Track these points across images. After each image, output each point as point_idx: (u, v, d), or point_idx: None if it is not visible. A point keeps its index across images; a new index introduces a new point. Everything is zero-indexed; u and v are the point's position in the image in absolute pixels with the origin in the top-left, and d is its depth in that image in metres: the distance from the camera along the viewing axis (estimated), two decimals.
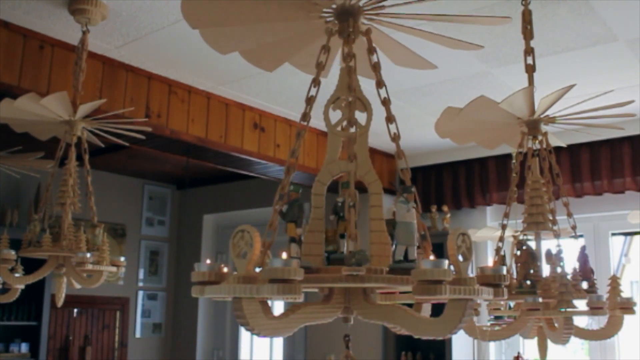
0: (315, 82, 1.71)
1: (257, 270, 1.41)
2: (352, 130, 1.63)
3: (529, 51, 2.48)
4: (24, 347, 5.40)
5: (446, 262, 1.30)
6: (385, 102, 1.67)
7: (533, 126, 2.46)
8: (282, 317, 1.41)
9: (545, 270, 2.38)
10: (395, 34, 1.87)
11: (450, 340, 4.82)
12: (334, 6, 1.71)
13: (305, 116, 1.68)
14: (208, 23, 1.84)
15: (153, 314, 6.76)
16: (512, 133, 2.57)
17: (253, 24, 1.83)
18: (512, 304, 2.62)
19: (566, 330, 2.20)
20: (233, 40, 1.89)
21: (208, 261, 1.42)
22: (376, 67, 1.70)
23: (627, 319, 2.40)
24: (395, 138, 1.65)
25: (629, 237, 4.85)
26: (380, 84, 1.68)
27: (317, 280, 1.42)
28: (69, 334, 6.05)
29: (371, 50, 1.71)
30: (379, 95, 1.67)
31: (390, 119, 1.65)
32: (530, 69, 2.47)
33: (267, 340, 6.28)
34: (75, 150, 2.97)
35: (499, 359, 5.13)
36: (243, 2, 1.74)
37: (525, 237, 2.46)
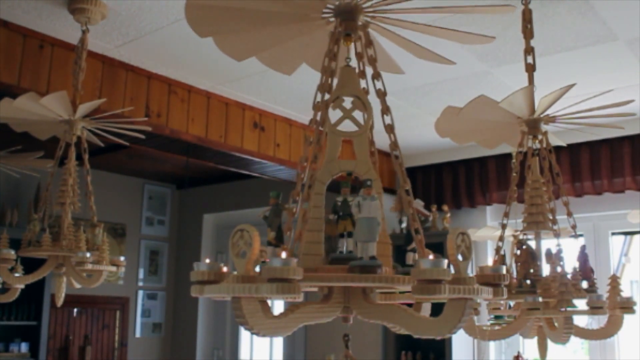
0: (323, 89, 1.69)
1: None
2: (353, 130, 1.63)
3: (529, 50, 2.48)
4: (24, 347, 5.40)
5: (445, 261, 1.30)
6: (380, 94, 1.66)
7: (533, 125, 2.46)
8: (282, 317, 1.40)
9: (545, 269, 2.38)
10: (403, 31, 1.87)
11: (450, 339, 4.82)
12: (332, 5, 1.71)
13: (312, 122, 1.66)
14: (214, 31, 1.84)
15: (153, 314, 6.76)
16: (512, 132, 2.57)
17: (258, 28, 1.83)
18: (512, 303, 2.62)
19: (566, 330, 2.20)
20: (247, 46, 1.89)
21: (207, 260, 1.42)
22: (372, 60, 1.69)
23: (627, 318, 2.40)
24: (388, 129, 1.63)
25: (628, 237, 4.85)
26: (376, 75, 1.67)
27: (316, 280, 1.42)
28: (69, 333, 6.05)
29: (368, 44, 1.70)
30: (374, 86, 1.66)
31: (385, 110, 1.64)
32: (530, 68, 2.47)
33: (267, 339, 6.28)
34: (75, 149, 2.97)
35: (498, 359, 5.13)
36: (243, 7, 1.74)
37: (525, 237, 2.46)
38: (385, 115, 1.65)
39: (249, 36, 1.87)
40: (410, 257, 1.54)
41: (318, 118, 1.64)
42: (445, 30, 1.93)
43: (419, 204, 1.57)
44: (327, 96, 1.68)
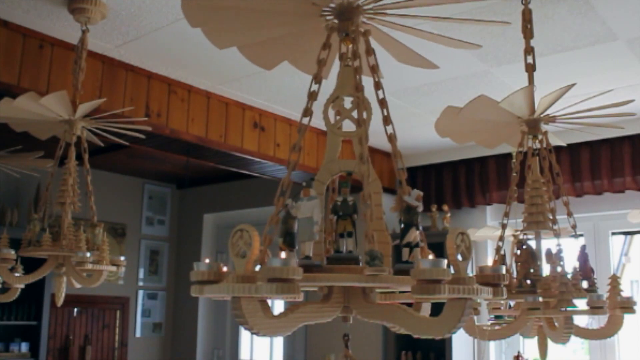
0: (317, 79, 1.70)
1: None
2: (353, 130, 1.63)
3: (529, 50, 2.48)
4: (24, 347, 5.40)
5: (445, 261, 1.30)
6: (383, 103, 1.66)
7: (533, 125, 2.46)
8: (282, 317, 1.40)
9: (546, 269, 2.38)
10: (395, 32, 1.87)
11: (450, 339, 4.82)
12: (332, 5, 1.71)
13: (307, 111, 1.67)
14: (208, 21, 1.84)
15: (153, 314, 6.76)
16: (512, 132, 2.57)
17: (253, 19, 1.82)
18: (512, 303, 2.62)
19: (566, 330, 2.19)
20: (232, 35, 1.89)
21: (207, 260, 1.42)
22: (374, 69, 1.69)
23: (627, 318, 2.40)
24: (392, 138, 1.64)
25: (629, 237, 4.85)
26: (377, 85, 1.67)
27: (316, 280, 1.42)
28: (69, 333, 6.05)
29: (369, 52, 1.70)
30: (377, 96, 1.67)
31: (387, 120, 1.65)
32: (530, 68, 2.47)
33: (267, 339, 6.28)
34: (74, 149, 2.97)
35: (499, 359, 5.13)
36: (242, 6, 1.74)
37: (525, 237, 2.46)
38: (386, 126, 1.65)
39: (236, 25, 1.86)
40: (405, 253, 1.53)
41: (305, 122, 1.65)
42: (436, 36, 1.93)
43: (414, 193, 1.56)
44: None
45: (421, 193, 1.56)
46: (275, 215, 1.54)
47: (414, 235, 1.53)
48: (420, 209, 1.54)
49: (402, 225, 1.54)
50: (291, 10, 1.75)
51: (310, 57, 1.82)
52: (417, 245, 1.54)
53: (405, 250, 1.52)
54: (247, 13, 1.79)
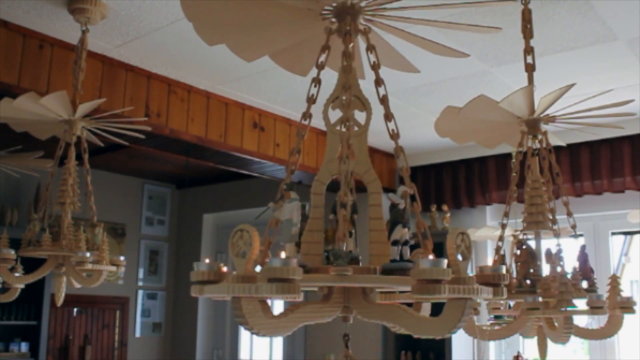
0: (316, 82, 1.70)
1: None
2: (353, 129, 1.63)
3: (528, 50, 2.48)
4: (24, 347, 5.40)
5: (445, 261, 1.30)
6: (384, 100, 1.66)
7: (533, 125, 2.46)
8: (282, 317, 1.40)
9: (545, 269, 2.38)
10: (413, 27, 1.87)
11: (450, 339, 4.82)
12: (329, 7, 1.71)
13: (306, 116, 1.68)
14: (222, 39, 1.85)
15: (153, 314, 6.76)
16: (511, 132, 2.57)
17: (261, 31, 1.83)
18: (512, 303, 2.62)
19: (566, 330, 2.19)
20: (254, 47, 1.90)
21: (207, 260, 1.42)
22: (375, 66, 1.69)
23: (627, 318, 2.40)
24: (394, 136, 1.64)
25: (628, 237, 4.85)
26: (378, 82, 1.67)
27: (316, 280, 1.42)
28: (69, 333, 6.05)
29: (370, 49, 1.70)
30: (378, 93, 1.67)
31: (388, 116, 1.65)
32: (530, 68, 2.47)
33: (266, 339, 6.28)
34: (74, 149, 2.97)
35: (498, 359, 5.13)
36: (246, 7, 1.75)
37: (525, 237, 2.46)
38: (388, 122, 1.65)
39: (257, 39, 1.87)
40: (394, 251, 1.53)
41: (306, 122, 1.66)
42: (455, 24, 1.92)
43: (400, 190, 1.56)
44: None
45: (407, 189, 1.56)
46: (273, 217, 1.55)
47: (401, 233, 1.53)
48: (403, 205, 1.54)
49: (390, 224, 1.55)
50: (293, 18, 1.76)
51: (339, 58, 1.83)
52: (406, 243, 1.53)
53: (393, 249, 1.52)
54: (252, 26, 1.80)
